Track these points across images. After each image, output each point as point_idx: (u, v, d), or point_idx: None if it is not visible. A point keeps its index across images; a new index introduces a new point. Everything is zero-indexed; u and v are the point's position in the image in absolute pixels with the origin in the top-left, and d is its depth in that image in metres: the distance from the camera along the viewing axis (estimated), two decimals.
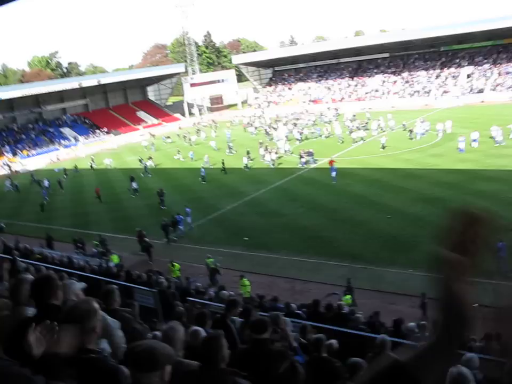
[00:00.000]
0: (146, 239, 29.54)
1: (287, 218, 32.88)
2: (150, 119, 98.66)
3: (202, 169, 45.69)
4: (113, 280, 11.53)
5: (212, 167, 50.20)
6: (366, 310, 15.79)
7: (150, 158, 57.13)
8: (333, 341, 6.89)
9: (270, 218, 33.21)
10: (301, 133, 60.89)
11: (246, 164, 48.01)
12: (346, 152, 49.05)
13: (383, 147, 47.86)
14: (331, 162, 40.16)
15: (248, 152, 50.06)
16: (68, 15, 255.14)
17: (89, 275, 14.26)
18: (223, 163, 47.22)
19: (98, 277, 13.67)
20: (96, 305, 3.78)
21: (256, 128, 73.25)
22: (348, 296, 19.14)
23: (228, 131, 68.76)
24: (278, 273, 24.76)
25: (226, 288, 17.55)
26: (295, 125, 67.45)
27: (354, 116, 66.54)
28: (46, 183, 50.52)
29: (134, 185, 44.82)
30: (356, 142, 52.73)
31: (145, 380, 3.24)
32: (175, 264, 24.49)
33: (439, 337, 1.32)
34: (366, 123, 59.23)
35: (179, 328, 4.21)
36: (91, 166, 61.56)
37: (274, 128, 67.33)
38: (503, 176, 35.37)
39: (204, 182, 44.44)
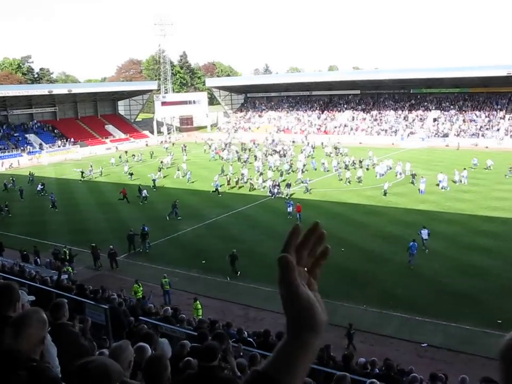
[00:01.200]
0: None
1: (247, 244, 32.79)
2: (118, 134, 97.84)
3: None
4: (65, 294, 11.30)
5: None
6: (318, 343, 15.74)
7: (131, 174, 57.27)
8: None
9: (229, 243, 33.05)
10: (290, 165, 57.62)
11: (217, 188, 47.41)
12: (311, 184, 49.34)
13: (358, 180, 49.03)
14: (299, 208, 37.73)
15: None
16: (43, 20, 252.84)
17: (40, 286, 13.93)
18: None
19: (49, 288, 13.37)
20: (45, 316, 3.66)
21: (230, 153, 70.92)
22: None
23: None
24: (233, 299, 24.61)
25: (179, 309, 17.38)
26: (283, 155, 65.30)
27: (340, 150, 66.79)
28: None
29: (144, 192, 45.71)
30: (349, 182, 49.53)
31: None
32: (141, 284, 24.11)
33: (288, 338, 1.37)
34: (360, 161, 56.36)
35: (127, 347, 4.12)
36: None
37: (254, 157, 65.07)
38: (461, 219, 36.15)
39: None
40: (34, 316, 3.56)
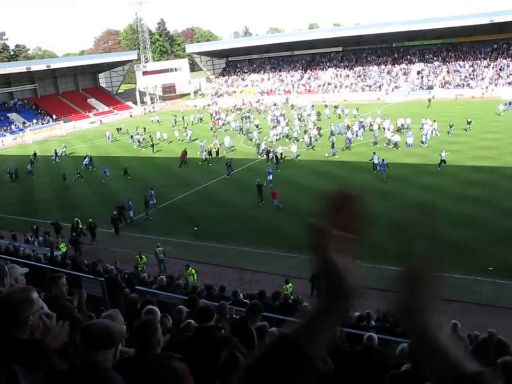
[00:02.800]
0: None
1: (237, 208, 32.92)
2: (101, 107, 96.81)
3: None
4: (60, 269, 11.33)
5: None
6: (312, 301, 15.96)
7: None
8: (273, 329, 6.96)
9: (220, 209, 33.16)
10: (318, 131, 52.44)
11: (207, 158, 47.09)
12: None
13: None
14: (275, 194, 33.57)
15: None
16: None
17: (35, 263, 13.95)
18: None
19: (43, 265, 13.40)
20: (34, 295, 3.54)
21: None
22: (289, 285, 19.21)
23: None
24: (227, 264, 24.81)
25: (174, 276, 17.50)
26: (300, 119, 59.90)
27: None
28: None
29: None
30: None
31: (100, 357, 3.23)
32: (143, 256, 24.24)
33: (322, 305, 1.38)
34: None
35: (117, 315, 4.17)
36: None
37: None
38: (450, 170, 36.35)
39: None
40: (18, 296, 3.44)
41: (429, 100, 66.24)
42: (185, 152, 45.52)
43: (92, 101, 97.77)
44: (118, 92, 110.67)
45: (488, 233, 24.90)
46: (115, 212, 31.52)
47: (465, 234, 24.94)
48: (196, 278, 20.93)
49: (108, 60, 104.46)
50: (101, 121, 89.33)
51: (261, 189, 33.47)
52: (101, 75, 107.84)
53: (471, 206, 28.59)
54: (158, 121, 74.28)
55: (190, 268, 21.61)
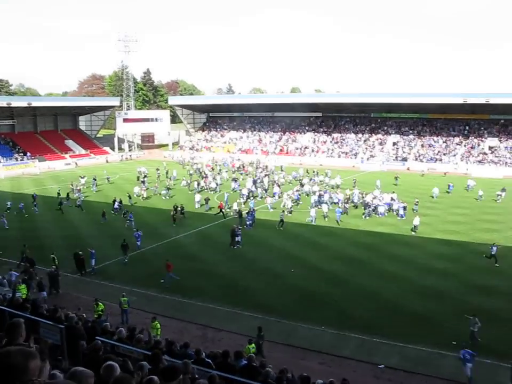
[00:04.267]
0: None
1: (206, 264, 32.60)
2: (78, 149, 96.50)
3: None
4: (19, 312, 11.00)
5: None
6: (276, 364, 15.72)
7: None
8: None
9: (188, 263, 32.81)
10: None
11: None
12: (274, 204, 49.56)
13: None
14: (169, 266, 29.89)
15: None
16: (4, 30, 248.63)
17: None
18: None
19: (2, 307, 12.99)
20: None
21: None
22: (252, 345, 18.86)
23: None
24: (191, 319, 24.34)
25: (136, 329, 17.08)
26: (301, 184, 58.65)
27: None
28: None
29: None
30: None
31: None
32: (99, 303, 23.59)
33: None
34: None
35: (88, 374, 4.00)
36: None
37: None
38: (418, 242, 36.75)
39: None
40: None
41: (396, 178, 67.08)
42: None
43: (70, 143, 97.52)
44: (97, 136, 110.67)
45: (453, 307, 25.00)
46: (81, 252, 30.99)
47: (430, 307, 25.05)
48: (159, 333, 20.48)
49: (90, 104, 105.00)
50: (76, 163, 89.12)
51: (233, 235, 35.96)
52: (81, 118, 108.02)
53: (437, 279, 28.82)
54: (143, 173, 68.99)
55: (156, 321, 21.16)
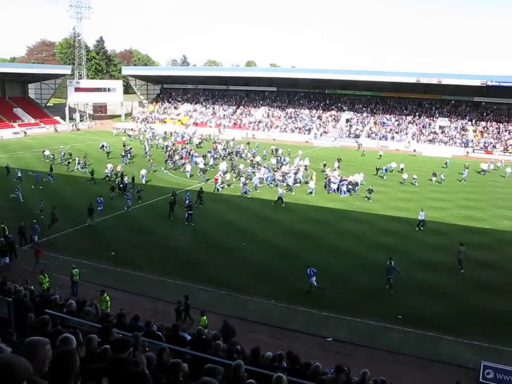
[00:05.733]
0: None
1: (157, 236, 32.42)
2: (27, 118, 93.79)
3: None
4: None
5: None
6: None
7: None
8: (184, 365, 6.84)
9: (140, 235, 32.57)
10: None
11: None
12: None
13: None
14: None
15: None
16: None
17: None
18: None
19: None
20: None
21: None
22: (204, 317, 18.95)
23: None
24: (142, 292, 24.24)
25: (86, 301, 16.92)
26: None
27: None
28: None
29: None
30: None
31: None
32: (46, 274, 23.18)
33: None
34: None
35: (44, 342, 3.93)
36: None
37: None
38: (368, 218, 37.44)
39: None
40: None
41: (359, 147, 68.03)
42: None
43: (18, 111, 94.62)
44: (47, 105, 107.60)
45: (400, 282, 25.64)
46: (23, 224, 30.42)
47: (378, 282, 25.62)
48: (109, 305, 20.32)
49: (40, 71, 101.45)
50: (25, 132, 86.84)
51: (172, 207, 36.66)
52: (30, 85, 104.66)
53: (386, 255, 29.41)
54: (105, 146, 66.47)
55: (105, 294, 20.97)
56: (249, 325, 21.43)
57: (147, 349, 8.55)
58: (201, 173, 49.42)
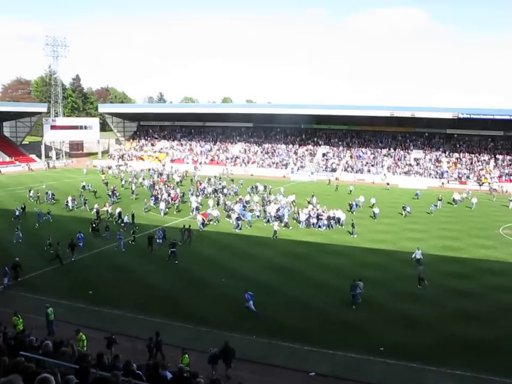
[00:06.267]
0: None
1: (136, 274, 31.99)
2: (2, 156, 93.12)
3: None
4: None
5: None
6: (207, 374, 15.60)
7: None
8: None
9: (118, 273, 32.12)
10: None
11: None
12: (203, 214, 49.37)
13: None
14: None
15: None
16: None
17: None
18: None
19: None
20: None
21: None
22: (186, 356, 18.62)
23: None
24: (121, 331, 23.78)
25: (64, 342, 16.55)
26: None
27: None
28: None
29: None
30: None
31: None
32: (20, 316, 22.64)
33: None
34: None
35: (18, 382, 3.85)
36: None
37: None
38: (347, 251, 37.47)
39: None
40: None
41: (330, 181, 68.84)
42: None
43: None
44: (22, 143, 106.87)
45: (382, 314, 25.60)
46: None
47: (359, 315, 25.56)
48: (85, 345, 19.89)
49: (15, 109, 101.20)
50: (0, 171, 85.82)
51: (151, 241, 37.42)
52: (5, 123, 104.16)
53: (366, 287, 29.36)
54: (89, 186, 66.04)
55: (81, 334, 20.54)
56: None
57: None
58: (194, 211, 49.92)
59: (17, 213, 47.31)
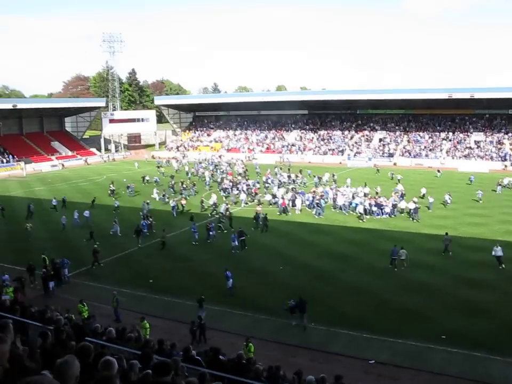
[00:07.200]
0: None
1: (194, 263, 32.51)
2: (65, 151, 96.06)
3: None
4: (7, 315, 10.92)
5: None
6: (266, 361, 15.72)
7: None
8: None
9: (177, 262, 32.71)
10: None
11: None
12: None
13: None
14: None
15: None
16: None
17: None
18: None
19: None
20: None
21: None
22: (251, 344, 18.78)
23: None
24: (180, 318, 24.26)
25: (126, 328, 17.02)
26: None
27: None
28: None
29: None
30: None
31: None
32: (85, 303, 23.51)
33: None
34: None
35: (73, 362, 3.99)
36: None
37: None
38: (406, 237, 36.84)
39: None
40: None
41: (377, 170, 67.86)
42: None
43: (56, 144, 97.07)
44: (83, 137, 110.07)
45: (443, 301, 25.15)
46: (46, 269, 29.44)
47: (419, 301, 25.19)
48: (148, 332, 20.42)
49: (76, 105, 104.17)
50: (63, 165, 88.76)
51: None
52: (67, 119, 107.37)
53: (426, 273, 28.97)
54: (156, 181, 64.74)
55: (145, 321, 21.12)
56: (290, 349, 21.24)
57: (186, 374, 8.54)
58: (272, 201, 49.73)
59: (116, 205, 48.78)
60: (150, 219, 41.35)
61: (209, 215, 45.33)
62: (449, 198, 48.28)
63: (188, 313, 24.74)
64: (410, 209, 43.51)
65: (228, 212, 43.64)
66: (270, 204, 48.63)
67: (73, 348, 10.32)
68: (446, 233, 33.90)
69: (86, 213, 44.09)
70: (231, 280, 27.17)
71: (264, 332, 22.50)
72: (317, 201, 46.05)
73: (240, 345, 18.80)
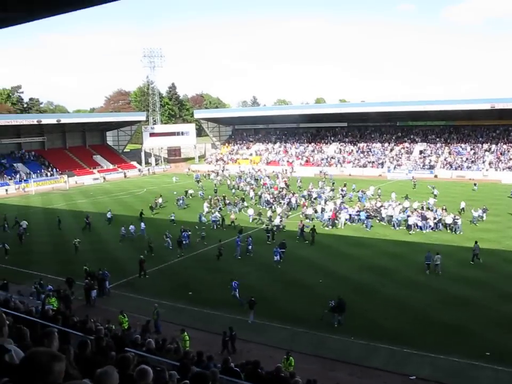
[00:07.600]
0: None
1: (234, 276, 32.48)
2: (106, 164, 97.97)
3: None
4: (50, 324, 11.14)
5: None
6: (305, 375, 15.60)
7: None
8: None
9: (216, 275, 32.82)
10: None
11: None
12: (298, 216, 49.45)
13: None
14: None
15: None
16: (34, 50, 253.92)
17: (25, 316, 13.71)
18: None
19: (34, 319, 13.17)
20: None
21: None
22: (291, 358, 18.70)
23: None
24: (219, 331, 24.30)
25: (166, 340, 17.18)
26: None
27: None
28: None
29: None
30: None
31: None
32: (125, 314, 23.87)
33: None
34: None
35: (113, 373, 4.07)
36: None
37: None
38: (448, 251, 36.17)
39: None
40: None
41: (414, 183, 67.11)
42: None
43: (98, 158, 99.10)
44: (124, 150, 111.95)
45: (485, 316, 24.57)
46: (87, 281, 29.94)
47: (461, 316, 24.67)
48: (188, 345, 20.53)
49: (117, 119, 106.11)
50: (104, 178, 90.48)
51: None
52: (108, 133, 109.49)
53: (469, 288, 28.38)
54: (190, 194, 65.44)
55: (185, 333, 21.26)
56: (328, 363, 21.04)
57: None
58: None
59: (172, 217, 49.00)
60: (189, 231, 41.55)
61: (265, 228, 44.13)
62: (483, 213, 46.26)
63: (227, 326, 24.80)
64: (447, 223, 42.85)
65: (282, 225, 44.92)
66: (312, 219, 48.11)
67: (114, 358, 10.50)
68: (476, 242, 34.12)
69: (142, 226, 45.10)
70: (237, 291, 28.20)
71: (303, 345, 22.34)
72: (367, 214, 45.84)
73: (278, 358, 18.73)
